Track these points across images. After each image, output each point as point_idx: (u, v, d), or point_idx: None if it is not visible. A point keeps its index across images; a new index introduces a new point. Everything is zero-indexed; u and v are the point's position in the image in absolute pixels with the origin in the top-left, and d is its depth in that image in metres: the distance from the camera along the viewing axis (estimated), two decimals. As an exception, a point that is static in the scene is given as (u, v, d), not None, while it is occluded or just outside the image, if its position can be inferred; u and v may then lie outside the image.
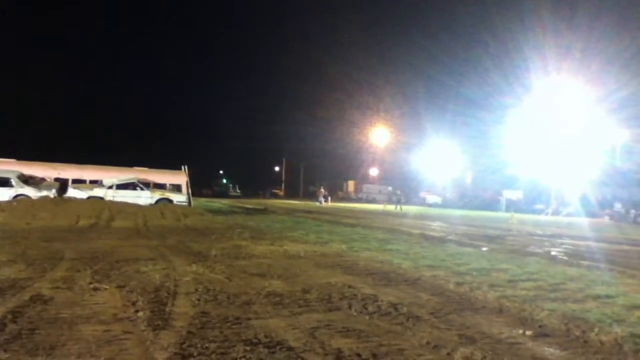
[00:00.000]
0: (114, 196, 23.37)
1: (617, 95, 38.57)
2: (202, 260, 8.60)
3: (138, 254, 9.06)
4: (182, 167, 27.86)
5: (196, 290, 6.11)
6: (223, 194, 76.21)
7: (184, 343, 4.09)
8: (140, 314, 4.96)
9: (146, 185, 25.19)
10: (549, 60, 43.16)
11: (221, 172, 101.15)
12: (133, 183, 24.63)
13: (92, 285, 6.21)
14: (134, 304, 5.36)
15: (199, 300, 5.61)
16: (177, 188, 26.90)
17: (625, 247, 14.86)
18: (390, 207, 41.82)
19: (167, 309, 5.16)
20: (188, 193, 26.35)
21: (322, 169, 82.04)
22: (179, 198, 25.14)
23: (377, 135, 73.96)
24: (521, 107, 44.88)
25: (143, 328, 4.50)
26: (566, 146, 43.08)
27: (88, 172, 26.43)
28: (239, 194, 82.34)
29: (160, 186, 26.45)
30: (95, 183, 25.21)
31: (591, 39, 40.20)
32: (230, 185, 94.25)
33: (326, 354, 3.99)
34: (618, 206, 37.53)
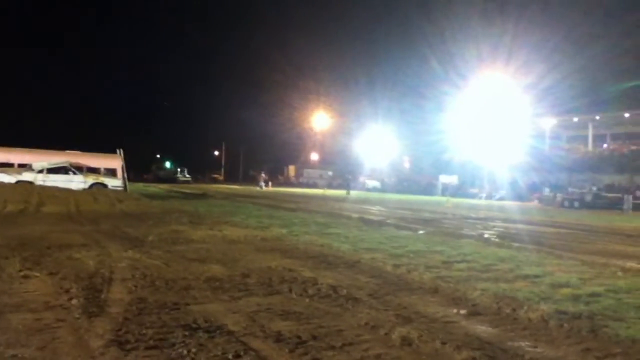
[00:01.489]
0: (44, 180, 22.46)
1: (544, 84, 40.30)
2: (139, 245, 8.39)
3: (70, 240, 8.74)
4: (117, 151, 27.04)
5: (132, 276, 5.97)
6: (169, 179, 65.52)
7: (120, 330, 4.00)
8: (73, 301, 4.80)
9: (79, 169, 24.32)
10: (483, 49, 44.58)
11: (158, 156, 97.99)
12: (65, 167, 23.74)
13: (21, 273, 5.95)
14: (67, 291, 5.18)
15: (135, 286, 5.48)
16: (111, 172, 26.12)
17: (552, 230, 15.64)
18: (334, 192, 42.21)
19: (102, 296, 5.02)
20: (124, 177, 25.65)
21: (263, 154, 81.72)
22: (113, 182, 24.45)
23: (318, 120, 74.25)
24: (457, 95, 46.13)
25: (77, 316, 4.36)
26: (498, 133, 44.71)
27: (16, 156, 25.24)
28: (189, 179, 69.30)
29: (94, 170, 25.63)
30: (24, 167, 24.10)
31: (519, 29, 41.79)
32: (178, 169, 79.50)
33: (266, 337, 4.01)
34: (546, 190, 39.34)
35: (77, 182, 23.17)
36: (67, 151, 26.36)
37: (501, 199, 40.53)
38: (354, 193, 42.87)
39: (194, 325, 4.19)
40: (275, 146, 79.34)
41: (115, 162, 26.52)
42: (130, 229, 10.72)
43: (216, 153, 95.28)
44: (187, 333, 3.98)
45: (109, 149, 28.13)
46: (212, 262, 7.15)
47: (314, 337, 4.03)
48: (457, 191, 46.72)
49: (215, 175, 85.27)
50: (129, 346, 3.66)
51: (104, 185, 23.82)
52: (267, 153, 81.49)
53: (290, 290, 5.57)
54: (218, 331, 4.08)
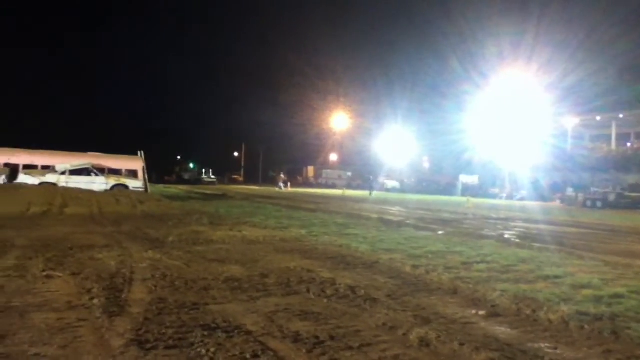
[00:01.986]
0: (67, 182, 22.80)
1: (567, 82, 39.74)
2: (159, 246, 8.49)
3: (93, 241, 8.88)
4: (139, 153, 27.35)
5: (153, 276, 6.04)
6: (194, 180, 65.45)
7: (140, 329, 4.05)
8: (95, 301, 4.88)
9: (101, 171, 24.65)
10: (504, 48, 44.16)
11: (179, 157, 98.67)
12: (87, 169, 24.07)
13: (44, 273, 6.06)
14: (88, 291, 5.26)
15: (155, 286, 5.55)
16: (133, 174, 26.44)
17: (574, 230, 15.42)
18: (353, 192, 41.96)
19: (123, 296, 5.09)
20: (144, 179, 25.94)
21: (282, 154, 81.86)
22: (135, 184, 24.73)
23: (337, 121, 74.17)
24: (478, 94, 45.74)
25: (98, 315, 4.43)
26: (520, 132, 44.20)
27: (39, 158, 25.70)
28: (214, 180, 67.97)
29: (115, 172, 25.94)
30: (47, 169, 24.51)
31: (541, 27, 41.29)
32: (203, 170, 77.45)
33: (284, 337, 4.03)
34: (569, 190, 38.78)
35: (99, 184, 23.49)
36: (89, 153, 26.75)
37: (522, 199, 40.08)
38: (374, 194, 42.70)
39: (212, 325, 4.23)
40: (294, 147, 79.53)
41: (137, 163, 26.84)
42: (151, 230, 10.85)
43: (236, 154, 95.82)
44: (206, 333, 4.02)
45: (129, 151, 28.50)
46: (231, 262, 7.20)
47: (332, 338, 4.04)
48: (478, 191, 46.37)
49: (235, 176, 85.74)
50: (148, 345, 3.72)
51: (126, 187, 24.10)
52: (286, 154, 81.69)
53: (309, 291, 5.59)
54: (237, 331, 4.11)
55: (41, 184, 22.23)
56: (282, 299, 5.22)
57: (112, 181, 24.25)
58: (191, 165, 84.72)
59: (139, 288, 5.45)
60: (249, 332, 4.10)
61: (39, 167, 24.88)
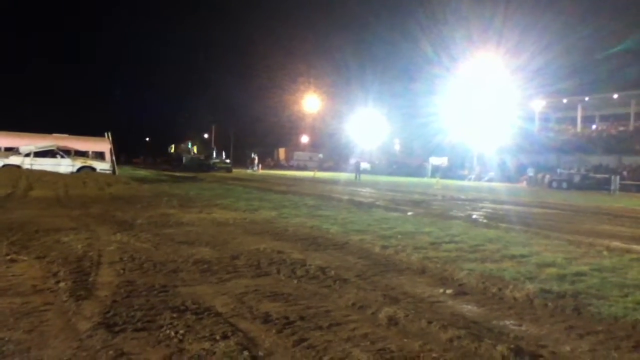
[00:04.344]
0: (32, 164, 22.28)
1: (534, 65, 40.38)
2: (128, 229, 8.37)
3: (59, 224, 8.71)
4: (106, 134, 26.83)
5: (121, 259, 5.97)
6: (198, 166, 45.94)
7: (108, 312, 4.01)
8: (61, 284, 4.80)
9: (67, 152, 24.12)
10: (473, 31, 44.53)
11: (147, 139, 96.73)
12: (52, 150, 23.54)
13: (8, 257, 5.93)
14: (54, 274, 5.17)
15: (123, 269, 5.48)
16: (100, 155, 25.95)
17: (540, 210, 15.77)
18: (324, 174, 41.37)
19: (91, 279, 5.02)
20: (112, 161, 25.49)
21: (253, 137, 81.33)
22: (102, 166, 24.30)
23: (308, 103, 73.99)
24: (448, 78, 46.13)
25: (65, 299, 4.37)
26: (488, 114, 44.82)
27: (2, 139, 24.96)
28: (229, 166, 47.76)
29: (82, 154, 25.43)
30: (10, 150, 23.88)
31: (509, 10, 41.75)
32: (213, 152, 54.53)
33: (254, 318, 4.03)
34: (535, 171, 39.60)
35: (65, 166, 23.01)
36: (55, 134, 26.09)
37: (490, 180, 40.83)
38: (344, 175, 42.74)
39: (182, 307, 4.21)
40: (266, 129, 79.10)
41: (104, 145, 26.32)
42: (119, 212, 10.69)
43: (205, 136, 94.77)
44: (175, 315, 4.00)
45: (95, 133, 27.92)
46: (201, 244, 7.16)
47: (302, 318, 4.06)
48: (447, 173, 46.93)
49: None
50: (117, 328, 3.68)
51: (93, 169, 23.66)
52: (257, 136, 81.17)
53: (279, 272, 5.60)
54: (206, 313, 4.10)
55: (4, 166, 21.67)
56: (252, 281, 5.22)
57: (79, 163, 23.77)
58: (189, 145, 64.28)
59: (107, 271, 5.38)
60: (218, 314, 4.10)
61: (2, 149, 24.21)
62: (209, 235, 7.95)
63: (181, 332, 3.63)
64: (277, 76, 70.80)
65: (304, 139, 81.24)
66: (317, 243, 7.62)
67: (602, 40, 40.54)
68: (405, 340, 3.70)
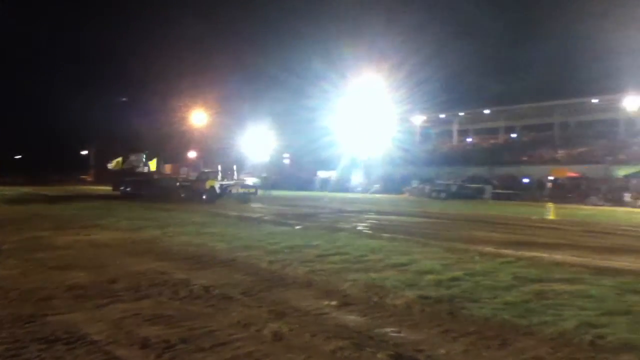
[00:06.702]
0: None
1: (413, 81, 42.67)
2: (-8, 255, 7.66)
3: None
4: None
5: (-18, 289, 5.44)
6: (193, 193, 28.80)
7: (-37, 350, 3.63)
8: None
9: None
10: (359, 48, 46.25)
11: (20, 156, 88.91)
12: None
13: None
14: None
15: (-15, 300, 5.00)
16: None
17: (421, 220, 16.58)
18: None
19: (-56, 313, 4.52)
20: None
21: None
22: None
23: (196, 118, 72.57)
24: (337, 94, 47.34)
25: None
26: (373, 129, 46.61)
27: None
28: (254, 191, 31.27)
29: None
30: None
31: (390, 29, 43.95)
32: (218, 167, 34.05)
33: (132, 344, 3.84)
34: (416, 183, 41.67)
35: None
36: None
37: (375, 192, 42.34)
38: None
39: (51, 338, 3.92)
40: (151, 144, 76.23)
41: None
42: (-17, 237, 9.76)
43: (84, 153, 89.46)
44: (43, 347, 3.72)
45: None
46: (76, 269, 6.72)
47: (183, 341, 3.93)
48: (335, 186, 47.97)
49: (84, 177, 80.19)
50: (-27, 367, 3.34)
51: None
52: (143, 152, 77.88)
53: (160, 294, 5.39)
54: (79, 342, 3.85)
55: None
56: (131, 304, 4.97)
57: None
58: (144, 157, 40.12)
59: (-35, 303, 4.88)
60: (93, 342, 3.86)
61: None
62: (85, 259, 7.49)
63: (49, 365, 3.37)
64: (163, 91, 68.72)
65: (192, 154, 79.49)
66: (203, 261, 7.44)
67: (473, 53, 43.80)
68: (289, 355, 3.70)
